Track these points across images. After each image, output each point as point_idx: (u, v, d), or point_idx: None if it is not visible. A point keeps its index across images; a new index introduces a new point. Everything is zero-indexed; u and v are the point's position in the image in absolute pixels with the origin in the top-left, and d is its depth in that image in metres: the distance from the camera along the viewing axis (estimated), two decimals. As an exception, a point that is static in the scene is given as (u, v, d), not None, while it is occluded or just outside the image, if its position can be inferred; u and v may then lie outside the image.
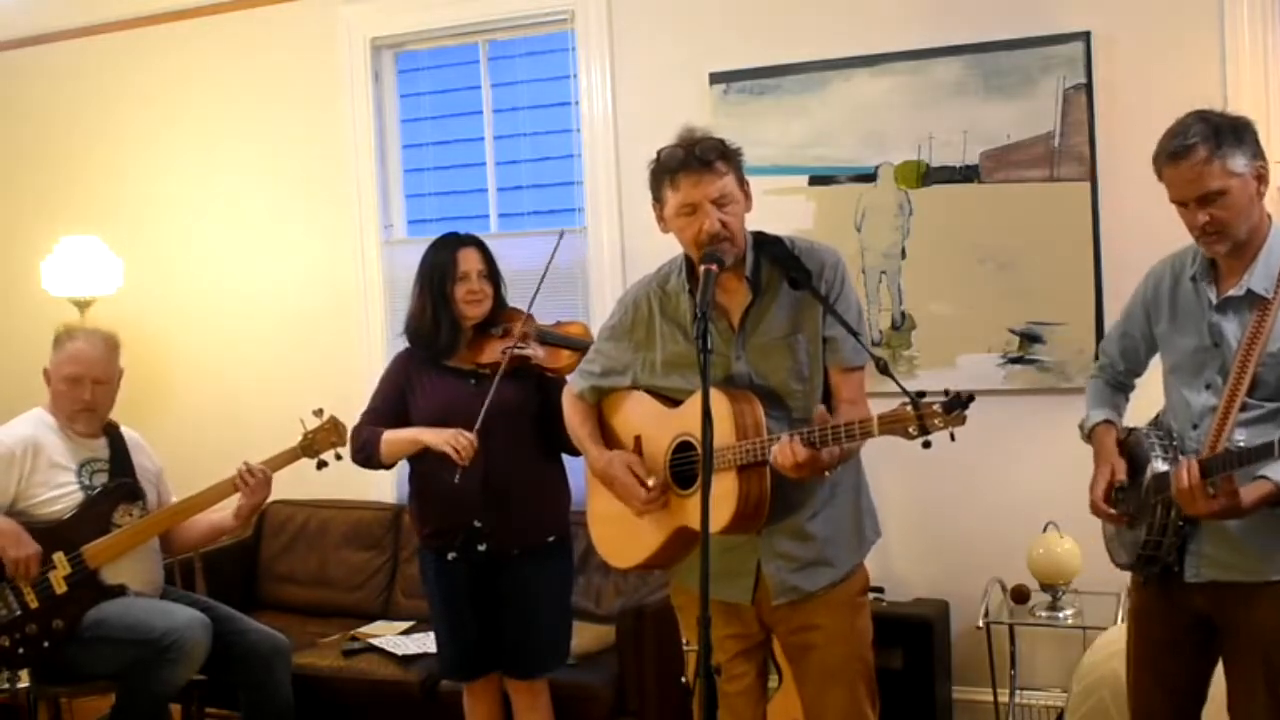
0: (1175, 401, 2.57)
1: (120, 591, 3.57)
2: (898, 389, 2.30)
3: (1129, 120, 3.74)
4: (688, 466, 2.60)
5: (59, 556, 3.49)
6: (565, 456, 3.38)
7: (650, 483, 2.63)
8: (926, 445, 2.27)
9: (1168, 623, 2.59)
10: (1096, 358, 2.89)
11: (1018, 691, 3.89)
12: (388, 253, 4.86)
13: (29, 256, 5.08)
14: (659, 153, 2.56)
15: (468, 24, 4.70)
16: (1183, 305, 2.56)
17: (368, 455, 3.36)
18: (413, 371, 3.42)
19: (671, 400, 2.67)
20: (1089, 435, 2.74)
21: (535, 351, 3.33)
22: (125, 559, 3.59)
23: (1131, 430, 2.66)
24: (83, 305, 4.94)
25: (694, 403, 2.54)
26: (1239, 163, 2.36)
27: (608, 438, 2.80)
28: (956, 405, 2.22)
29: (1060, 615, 3.69)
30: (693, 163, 2.49)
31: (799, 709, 2.74)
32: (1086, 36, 3.82)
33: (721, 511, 2.45)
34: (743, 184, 2.56)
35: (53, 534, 3.51)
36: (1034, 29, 3.87)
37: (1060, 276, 3.88)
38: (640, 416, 2.73)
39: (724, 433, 2.45)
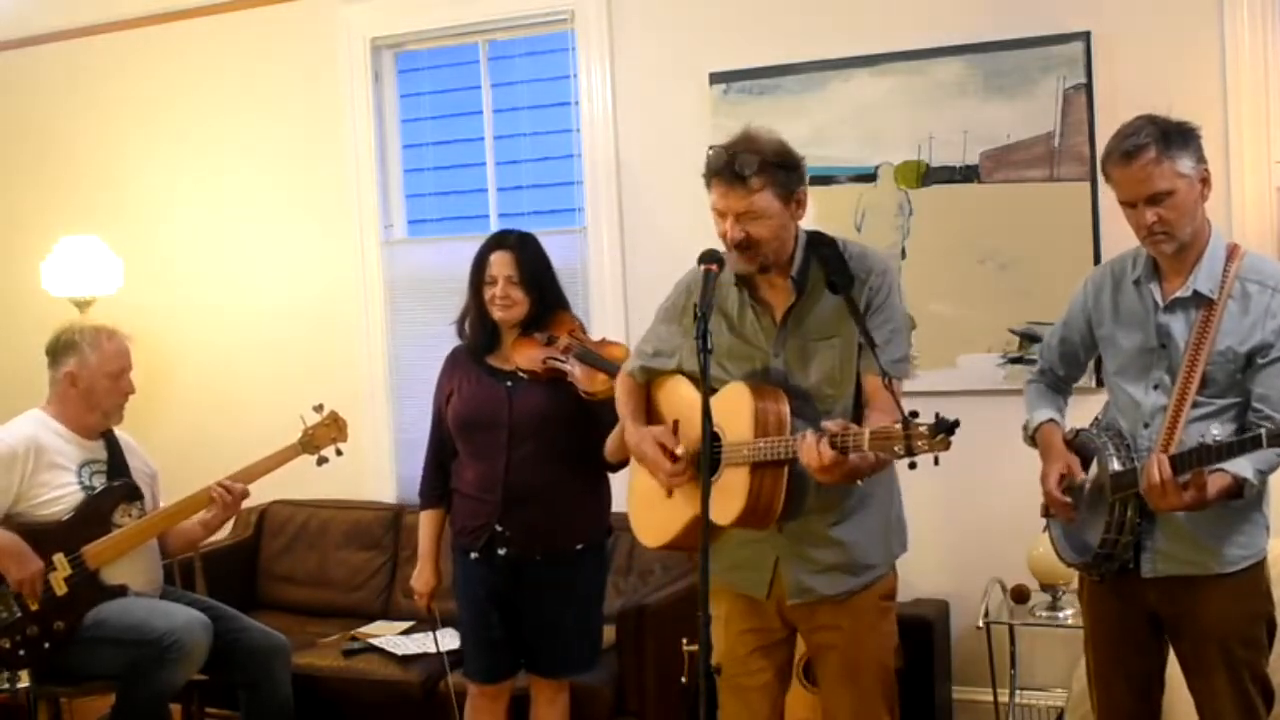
0: (1123, 402, 2.63)
1: (121, 592, 3.57)
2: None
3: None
4: (716, 457, 2.59)
5: (59, 558, 3.49)
6: None
7: (679, 451, 2.60)
8: (912, 466, 2.27)
9: (1123, 616, 2.65)
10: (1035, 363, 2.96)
11: (1018, 691, 3.89)
12: (388, 253, 4.86)
13: (29, 256, 5.08)
14: (710, 148, 2.55)
15: (468, 24, 4.70)
16: (1126, 307, 2.63)
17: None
18: (455, 371, 3.39)
19: (712, 389, 2.65)
20: (1033, 435, 2.79)
21: (572, 369, 3.22)
22: (125, 559, 3.59)
23: (1079, 431, 2.73)
24: (83, 305, 4.93)
25: (724, 395, 2.55)
26: (1186, 164, 2.45)
27: (653, 419, 2.79)
28: (942, 429, 2.20)
29: (1060, 615, 3.69)
30: (726, 173, 2.47)
31: (807, 707, 2.75)
32: (1086, 36, 3.82)
33: (730, 505, 2.47)
34: (790, 194, 2.50)
35: (53, 534, 3.51)
36: (1034, 29, 3.87)
37: (1060, 276, 3.86)
38: (679, 402, 2.73)
39: (742, 428, 2.47)
